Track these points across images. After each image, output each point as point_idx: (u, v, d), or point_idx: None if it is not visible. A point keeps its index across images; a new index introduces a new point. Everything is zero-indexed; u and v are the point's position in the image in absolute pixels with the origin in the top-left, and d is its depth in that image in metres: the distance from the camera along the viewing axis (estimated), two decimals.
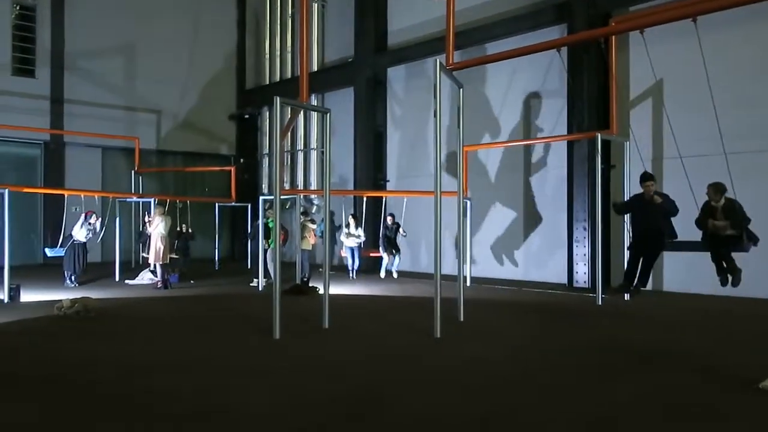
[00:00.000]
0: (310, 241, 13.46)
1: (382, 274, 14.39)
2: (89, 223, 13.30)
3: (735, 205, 7.68)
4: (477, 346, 7.42)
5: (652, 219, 8.20)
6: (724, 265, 8.03)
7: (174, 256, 14.95)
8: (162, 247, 12.88)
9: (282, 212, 9.03)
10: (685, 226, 8.43)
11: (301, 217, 13.97)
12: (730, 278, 7.95)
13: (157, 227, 13.00)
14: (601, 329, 8.56)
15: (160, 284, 13.10)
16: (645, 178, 8.50)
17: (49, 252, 14.29)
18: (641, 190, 8.52)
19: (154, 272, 14.48)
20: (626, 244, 10.78)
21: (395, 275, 14.38)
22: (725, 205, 7.73)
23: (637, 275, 8.41)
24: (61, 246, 13.64)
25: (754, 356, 6.68)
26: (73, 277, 13.21)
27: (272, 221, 14.77)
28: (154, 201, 16.91)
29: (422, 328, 8.01)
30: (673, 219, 8.36)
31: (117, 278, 14.50)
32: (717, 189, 7.85)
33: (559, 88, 13.98)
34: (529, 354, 6.95)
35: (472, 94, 15.19)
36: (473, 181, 14.48)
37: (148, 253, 13.56)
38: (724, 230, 7.72)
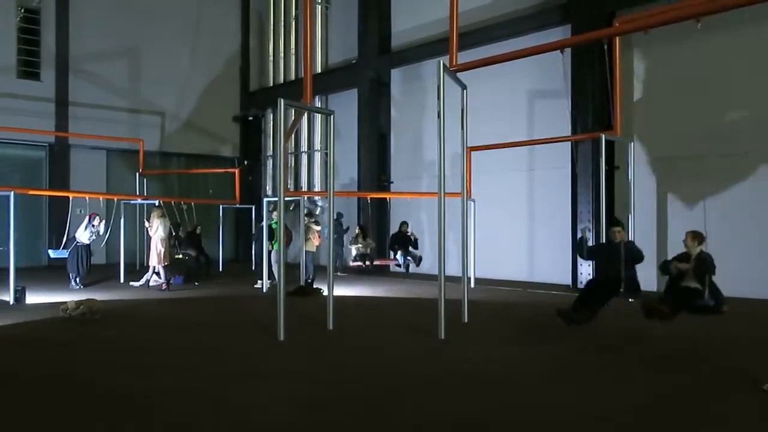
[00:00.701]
0: (315, 242, 13.47)
1: (408, 267, 14.39)
2: (92, 225, 13.34)
3: (705, 256, 7.17)
4: (481, 347, 7.41)
5: (617, 265, 7.86)
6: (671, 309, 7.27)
7: (190, 253, 14.98)
8: (162, 249, 12.98)
9: (285, 214, 9.03)
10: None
11: (306, 218, 13.96)
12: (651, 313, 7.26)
13: (156, 230, 13.03)
14: (606, 330, 8.53)
15: (164, 286, 13.13)
16: (614, 223, 8.37)
17: (52, 253, 14.32)
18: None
19: (158, 274, 14.51)
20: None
21: (416, 265, 14.40)
22: (698, 254, 7.22)
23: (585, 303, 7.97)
24: (64, 248, 13.66)
25: (762, 357, 6.67)
26: (77, 279, 13.24)
27: (276, 223, 14.82)
28: (159, 203, 16.98)
29: (427, 329, 8.01)
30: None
31: (122, 280, 14.53)
32: (694, 236, 7.37)
33: (562, 88, 13.96)
34: (534, 355, 6.94)
35: (476, 95, 15.20)
36: (477, 182, 14.47)
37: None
38: (687, 275, 7.14)
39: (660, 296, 7.49)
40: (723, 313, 7.12)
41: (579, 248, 8.95)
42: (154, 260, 13.21)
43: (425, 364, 6.46)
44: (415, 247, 14.46)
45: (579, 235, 9.51)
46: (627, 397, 5.20)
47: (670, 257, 8.49)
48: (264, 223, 13.24)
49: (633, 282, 7.96)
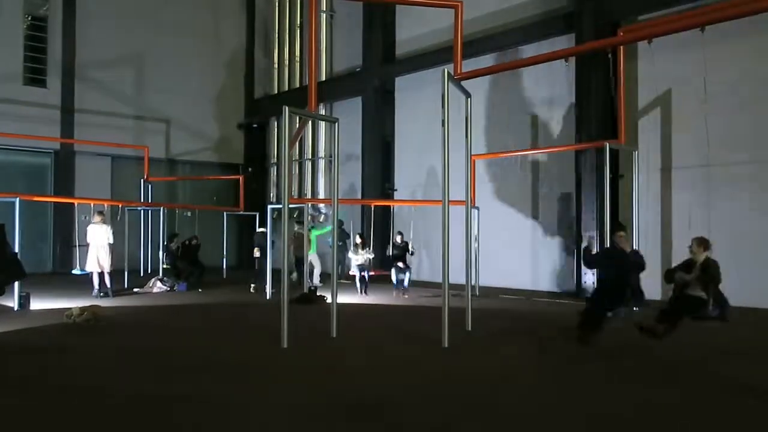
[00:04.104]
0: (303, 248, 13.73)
1: (394, 291, 14.06)
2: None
3: (711, 264, 6.95)
4: (485, 355, 7.40)
5: (623, 271, 7.75)
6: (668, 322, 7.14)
7: (177, 265, 14.98)
8: (102, 256, 12.52)
9: (289, 221, 9.07)
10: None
11: (296, 225, 14.32)
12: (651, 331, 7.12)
13: (95, 236, 12.57)
14: (611, 339, 8.50)
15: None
16: (618, 228, 8.27)
17: (76, 271, 14.12)
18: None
19: (162, 280, 14.54)
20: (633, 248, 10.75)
21: (406, 288, 14.05)
22: (704, 261, 7.00)
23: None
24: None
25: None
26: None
27: (315, 229, 15.10)
28: (163, 210, 17.02)
29: (430, 337, 7.99)
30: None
31: (125, 286, 14.55)
32: (700, 243, 7.15)
33: (567, 97, 13.98)
34: (538, 364, 6.92)
35: (480, 104, 15.23)
36: (481, 190, 14.47)
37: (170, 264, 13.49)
38: (691, 285, 6.97)
39: (662, 308, 7.35)
40: (727, 320, 7.00)
41: (584, 257, 8.92)
42: (95, 266, 12.55)
43: (428, 372, 6.44)
44: (411, 253, 14.20)
45: (584, 244, 9.49)
46: (629, 405, 5.18)
47: (674, 266, 8.41)
48: (259, 230, 13.51)
49: (638, 290, 7.93)
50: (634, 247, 8.41)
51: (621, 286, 7.79)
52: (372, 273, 14.43)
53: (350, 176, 18.95)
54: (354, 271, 14.14)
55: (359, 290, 13.85)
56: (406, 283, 13.65)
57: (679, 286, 7.12)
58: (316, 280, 15.17)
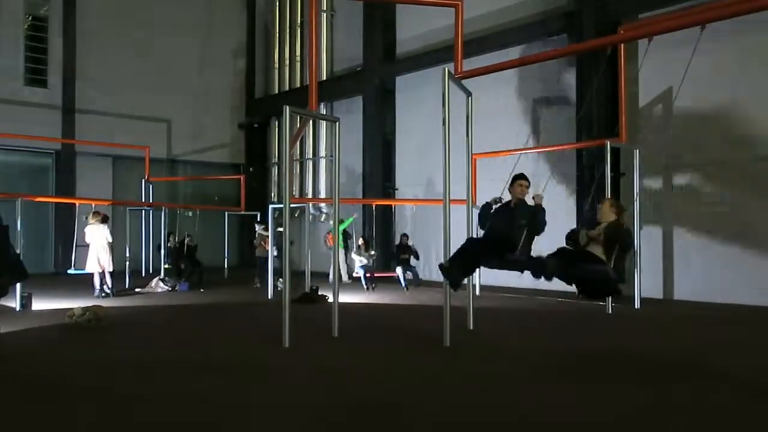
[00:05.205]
0: (266, 247, 14.29)
1: (404, 288, 14.20)
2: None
3: (619, 225, 6.16)
4: (486, 354, 7.39)
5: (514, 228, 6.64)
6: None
7: (179, 264, 15.14)
8: (103, 256, 12.52)
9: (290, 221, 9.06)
10: None
11: (256, 225, 15.24)
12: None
13: (93, 236, 12.59)
14: (612, 337, 8.51)
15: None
16: (518, 177, 7.11)
17: (72, 270, 14.22)
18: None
19: (164, 280, 14.57)
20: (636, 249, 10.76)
21: (418, 281, 14.29)
22: (613, 222, 6.20)
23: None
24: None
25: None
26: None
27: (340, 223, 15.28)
28: (164, 210, 17.04)
29: (432, 336, 7.99)
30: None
31: (127, 286, 14.56)
32: (612, 204, 6.46)
33: (568, 95, 13.97)
34: (540, 362, 6.91)
35: (481, 102, 15.21)
36: (482, 189, 14.46)
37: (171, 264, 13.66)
38: (595, 243, 6.14)
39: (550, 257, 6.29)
40: (618, 292, 6.28)
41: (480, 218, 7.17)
42: (95, 266, 12.54)
43: (431, 372, 6.44)
44: (417, 257, 14.39)
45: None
46: (628, 404, 5.17)
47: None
48: (256, 228, 13.87)
49: (538, 261, 6.45)
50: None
51: (505, 239, 6.64)
52: (379, 275, 14.61)
53: (351, 176, 18.95)
54: (358, 272, 14.29)
55: (365, 287, 13.98)
56: (415, 277, 13.97)
57: (583, 245, 6.26)
58: (345, 277, 15.38)
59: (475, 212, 7.67)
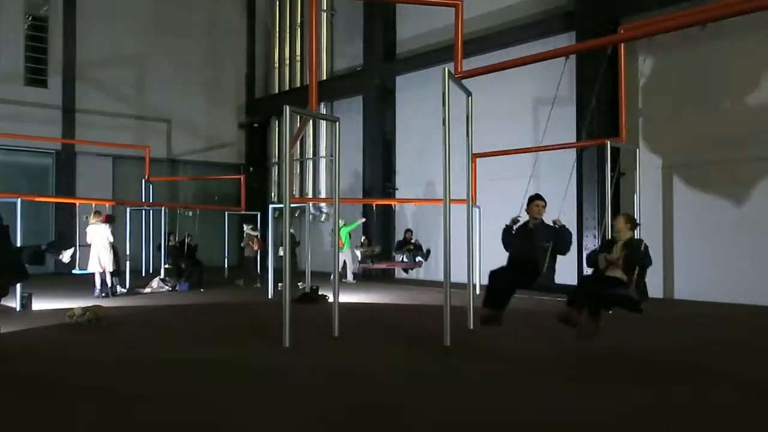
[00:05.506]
0: (254, 247, 14.74)
1: (414, 268, 14.69)
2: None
3: (636, 244, 6.24)
4: (486, 354, 7.39)
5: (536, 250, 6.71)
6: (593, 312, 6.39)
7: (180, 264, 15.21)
8: (105, 256, 12.53)
9: (291, 220, 9.06)
10: None
11: (245, 226, 15.67)
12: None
13: (93, 237, 12.56)
14: (612, 337, 8.50)
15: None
16: (535, 197, 7.19)
17: (76, 271, 14.24)
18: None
19: (164, 280, 14.57)
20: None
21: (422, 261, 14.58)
22: (628, 241, 6.31)
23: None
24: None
25: None
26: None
27: (345, 226, 15.38)
28: (165, 210, 17.04)
29: (432, 336, 7.99)
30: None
31: (127, 286, 14.55)
32: (628, 220, 6.50)
33: (568, 95, 13.95)
34: (540, 362, 6.91)
35: (481, 102, 15.19)
36: (482, 188, 14.45)
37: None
38: (612, 266, 6.23)
39: (574, 290, 6.45)
40: (640, 311, 6.26)
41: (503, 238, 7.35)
42: (96, 266, 12.53)
43: (431, 372, 6.44)
44: (423, 254, 14.57)
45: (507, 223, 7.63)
46: (628, 404, 5.17)
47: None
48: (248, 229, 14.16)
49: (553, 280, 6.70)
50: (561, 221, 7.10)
51: (528, 261, 6.75)
52: (383, 266, 14.86)
53: (351, 175, 18.95)
54: (364, 262, 14.72)
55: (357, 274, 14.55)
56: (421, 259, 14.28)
57: (602, 270, 6.34)
58: (350, 277, 15.45)
59: (476, 211, 7.70)
